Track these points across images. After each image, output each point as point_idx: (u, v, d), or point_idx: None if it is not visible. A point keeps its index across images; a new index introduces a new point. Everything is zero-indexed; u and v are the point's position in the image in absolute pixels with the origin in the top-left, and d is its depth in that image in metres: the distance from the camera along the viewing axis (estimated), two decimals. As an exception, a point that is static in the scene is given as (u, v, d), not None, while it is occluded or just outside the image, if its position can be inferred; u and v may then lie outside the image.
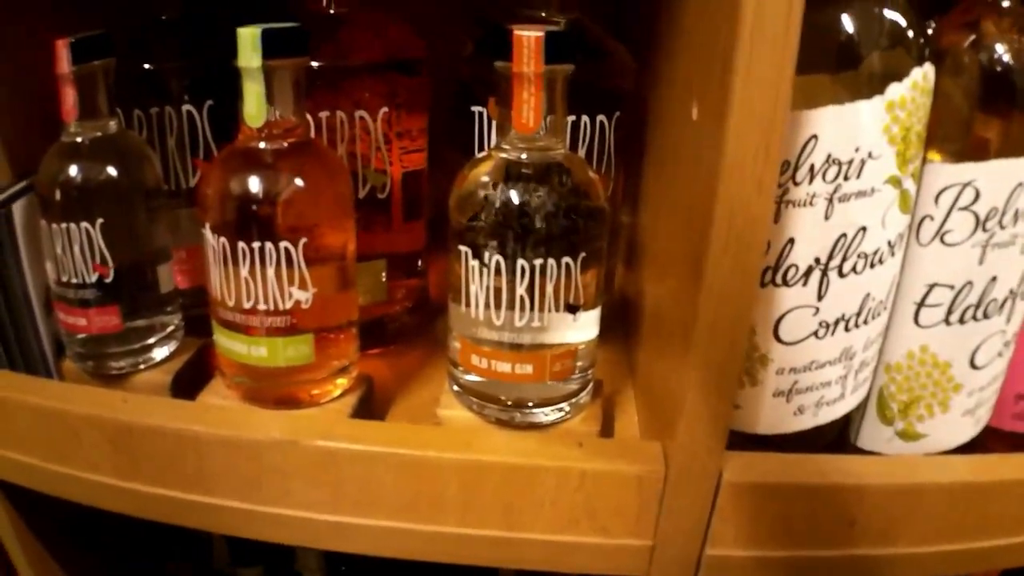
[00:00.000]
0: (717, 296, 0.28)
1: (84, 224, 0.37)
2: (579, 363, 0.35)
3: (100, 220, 0.36)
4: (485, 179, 0.33)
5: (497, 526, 0.33)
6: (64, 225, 0.37)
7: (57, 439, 0.36)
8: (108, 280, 0.37)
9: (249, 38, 0.32)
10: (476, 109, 0.39)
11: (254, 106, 0.33)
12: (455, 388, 0.37)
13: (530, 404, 0.35)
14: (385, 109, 0.38)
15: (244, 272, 0.34)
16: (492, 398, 0.36)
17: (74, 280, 0.37)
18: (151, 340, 0.40)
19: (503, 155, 0.33)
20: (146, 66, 0.39)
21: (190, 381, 0.39)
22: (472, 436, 0.34)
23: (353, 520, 0.33)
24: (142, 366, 0.39)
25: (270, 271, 0.33)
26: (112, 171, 0.37)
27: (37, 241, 0.40)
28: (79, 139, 0.37)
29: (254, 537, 0.34)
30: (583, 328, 0.34)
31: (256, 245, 0.33)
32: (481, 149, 0.39)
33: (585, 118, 0.39)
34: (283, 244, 0.33)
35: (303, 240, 0.33)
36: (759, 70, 0.25)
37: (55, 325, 0.41)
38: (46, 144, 0.38)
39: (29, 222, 0.40)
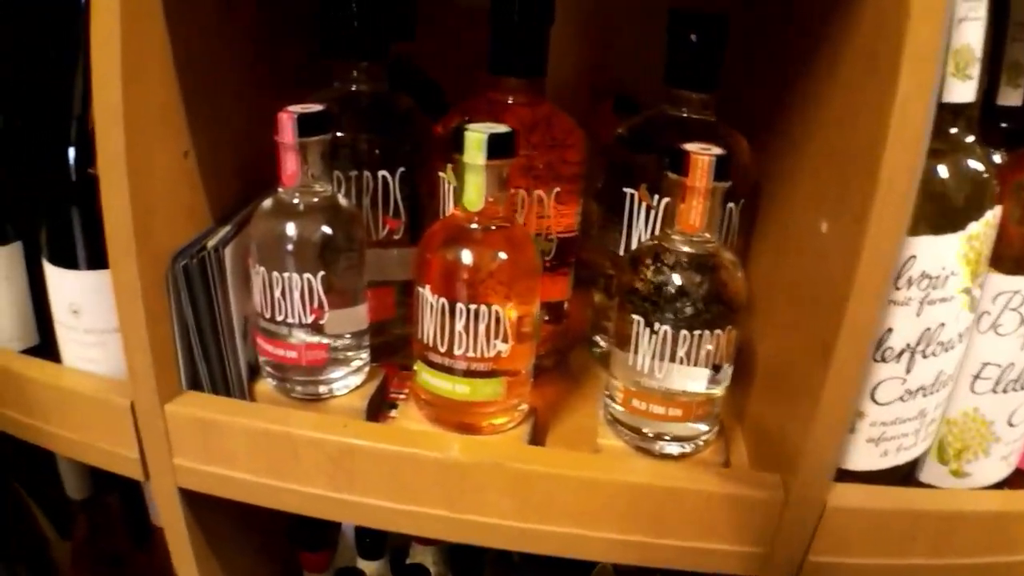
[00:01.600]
0: (842, 373, 0.41)
1: (307, 275, 0.47)
2: (715, 409, 0.48)
3: (321, 273, 0.47)
4: (652, 265, 0.46)
5: (649, 534, 0.46)
6: (286, 275, 0.47)
7: (275, 457, 0.47)
8: (322, 321, 0.48)
9: (476, 141, 0.44)
10: (628, 191, 0.51)
11: (474, 195, 0.45)
12: (608, 419, 0.49)
13: (667, 437, 0.48)
14: (557, 189, 0.50)
15: (459, 327, 0.45)
16: (636, 430, 0.48)
17: (290, 320, 0.48)
18: (348, 370, 0.50)
19: (670, 245, 0.46)
20: (351, 136, 0.50)
21: (378, 405, 0.50)
22: (631, 462, 0.47)
23: (538, 527, 0.46)
24: (339, 392, 0.50)
25: (481, 327, 0.45)
26: (331, 231, 0.47)
27: (239, 278, 0.50)
28: (295, 200, 0.48)
29: (456, 540, 0.46)
30: (722, 382, 0.47)
31: (472, 307, 0.45)
32: (630, 225, 0.52)
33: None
34: (495, 307, 0.45)
35: (509, 304, 0.45)
36: (893, 201, 0.38)
37: (250, 352, 0.52)
38: (239, 194, 0.48)
39: (235, 264, 0.50)
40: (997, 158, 0.45)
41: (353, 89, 0.52)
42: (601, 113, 0.69)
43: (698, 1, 0.52)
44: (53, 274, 0.52)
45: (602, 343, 0.60)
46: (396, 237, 0.52)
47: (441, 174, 0.51)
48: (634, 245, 0.53)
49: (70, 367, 0.53)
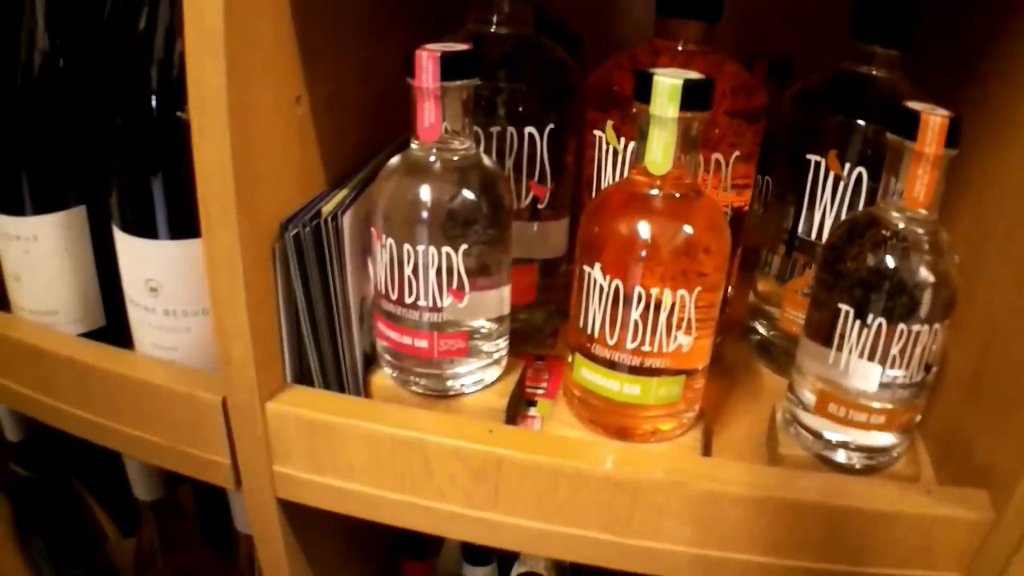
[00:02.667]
0: None
1: (445, 248, 0.41)
2: (916, 418, 0.43)
3: (464, 246, 0.41)
4: (868, 245, 0.40)
5: (851, 562, 0.41)
6: (420, 248, 0.41)
7: (402, 468, 0.42)
8: (461, 305, 0.42)
9: (671, 89, 0.38)
10: (812, 158, 0.46)
11: (661, 155, 0.39)
12: (792, 429, 0.44)
13: (852, 446, 0.43)
14: (737, 153, 0.45)
15: (635, 315, 0.40)
16: (819, 435, 0.43)
17: (422, 303, 0.42)
18: (485, 362, 0.44)
19: (889, 221, 0.40)
20: (492, 85, 0.44)
21: (516, 404, 0.45)
22: (830, 482, 0.41)
23: (721, 554, 0.41)
24: (470, 389, 0.45)
25: (663, 316, 0.40)
26: (474, 196, 0.41)
27: (358, 250, 0.44)
28: (432, 158, 0.42)
29: (624, 568, 0.41)
30: (927, 387, 0.42)
31: (655, 291, 0.39)
32: (813, 199, 0.46)
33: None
34: (680, 292, 0.39)
35: (698, 289, 0.40)
36: None
37: (366, 339, 0.46)
38: (359, 150, 0.42)
39: (354, 234, 0.44)
40: None
41: (493, 31, 0.46)
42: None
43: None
44: (126, 244, 0.45)
45: (761, 329, 0.55)
46: (540, 207, 0.46)
47: (597, 132, 0.45)
48: (817, 221, 0.47)
49: (144, 355, 0.47)
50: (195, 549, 0.70)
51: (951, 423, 0.47)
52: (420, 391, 0.45)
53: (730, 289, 0.52)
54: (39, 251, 0.49)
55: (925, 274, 0.40)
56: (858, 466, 0.43)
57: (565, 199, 0.49)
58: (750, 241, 0.53)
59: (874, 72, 0.47)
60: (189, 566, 0.71)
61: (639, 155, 0.39)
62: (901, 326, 0.40)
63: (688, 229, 0.39)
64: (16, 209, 0.48)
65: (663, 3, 0.45)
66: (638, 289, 0.39)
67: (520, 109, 0.45)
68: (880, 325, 0.40)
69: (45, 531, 0.77)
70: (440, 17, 0.47)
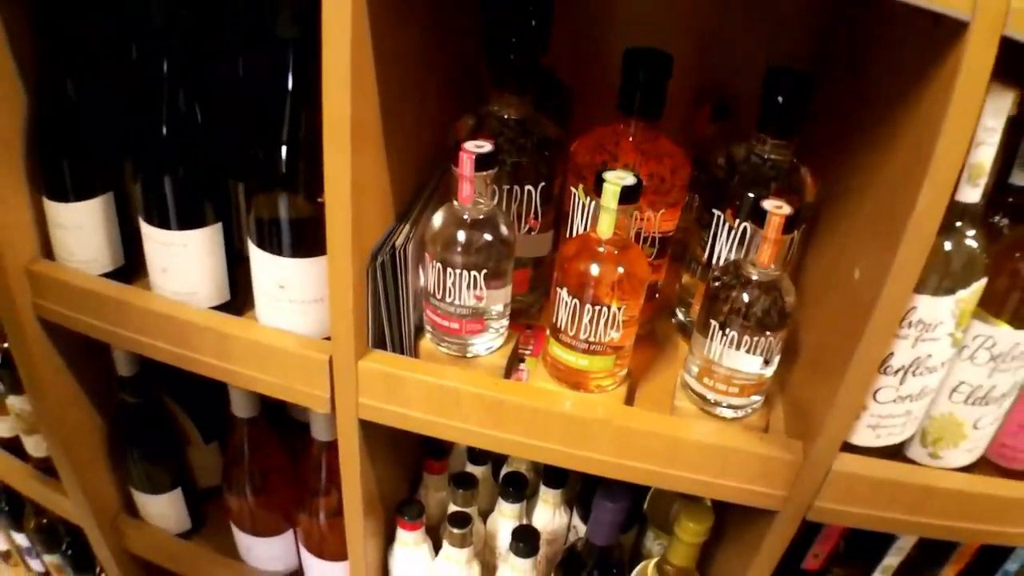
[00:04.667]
0: (854, 381, 0.68)
1: (473, 272, 0.73)
2: (765, 387, 0.76)
3: (484, 270, 0.73)
4: (730, 285, 0.72)
5: (707, 474, 0.75)
6: (458, 270, 0.73)
7: (442, 402, 0.76)
8: (480, 304, 0.75)
9: (612, 192, 0.69)
10: (716, 212, 0.77)
11: (606, 228, 0.70)
12: (683, 384, 0.78)
13: (724, 404, 0.77)
14: (663, 210, 0.76)
15: (586, 320, 0.72)
16: (703, 397, 0.77)
17: (457, 302, 0.75)
18: (493, 335, 0.77)
19: (746, 272, 0.72)
20: (503, 157, 0.75)
21: (512, 362, 0.79)
22: (699, 424, 0.75)
23: (628, 463, 0.75)
24: (485, 352, 0.78)
25: (602, 321, 0.72)
26: (492, 238, 0.74)
27: (414, 263, 0.77)
28: (466, 215, 0.73)
29: (571, 468, 0.76)
30: (771, 368, 0.75)
31: (597, 307, 0.72)
32: (715, 235, 0.78)
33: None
34: (613, 306, 0.72)
35: (623, 305, 0.72)
36: (908, 267, 0.63)
37: (419, 317, 0.79)
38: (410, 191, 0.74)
39: (413, 255, 0.76)
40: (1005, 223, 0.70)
41: (506, 117, 0.76)
42: (700, 118, 0.93)
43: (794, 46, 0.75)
44: (261, 257, 0.77)
45: (681, 315, 0.88)
46: (534, 231, 0.79)
47: (573, 189, 0.77)
48: (718, 249, 0.79)
49: (268, 326, 0.81)
50: (272, 458, 1.07)
51: (798, 393, 0.80)
52: (452, 352, 0.78)
53: (659, 283, 0.85)
54: (185, 254, 0.81)
55: (766, 306, 0.72)
56: (727, 417, 0.77)
57: (550, 219, 0.80)
58: (682, 240, 0.85)
59: (767, 155, 0.78)
60: (268, 464, 1.07)
61: (593, 221, 0.71)
62: (748, 335, 0.72)
63: (620, 269, 0.71)
64: (165, 224, 0.80)
65: (622, 105, 0.75)
66: (588, 304, 0.72)
67: (521, 174, 0.76)
68: (735, 335, 0.72)
69: (142, 441, 1.12)
70: (464, 88, 0.78)
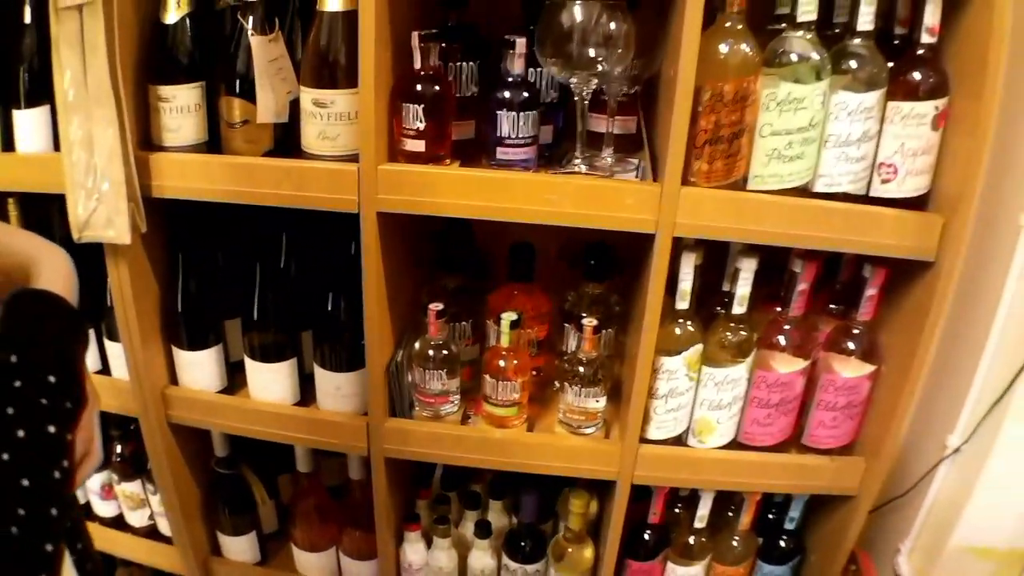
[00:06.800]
0: (636, 402, 1.37)
1: (438, 371, 1.40)
2: (602, 414, 1.44)
3: (444, 370, 1.40)
4: (576, 366, 1.40)
5: (566, 462, 1.42)
6: (430, 371, 1.40)
7: (441, 443, 1.42)
8: (444, 387, 1.42)
9: (507, 322, 1.37)
10: (568, 327, 1.47)
11: (506, 340, 1.38)
12: (561, 417, 1.45)
13: (578, 426, 1.44)
14: (535, 332, 1.45)
15: (501, 390, 1.40)
16: (570, 424, 1.44)
17: (431, 387, 1.41)
18: (454, 405, 1.45)
19: (582, 357, 1.40)
20: (448, 310, 1.43)
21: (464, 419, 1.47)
22: (571, 439, 1.43)
23: (539, 462, 1.41)
24: (451, 413, 1.46)
25: (510, 389, 1.40)
26: (447, 353, 1.41)
27: (408, 366, 1.44)
28: (432, 342, 1.41)
29: (500, 468, 1.42)
30: (603, 405, 1.43)
31: (507, 383, 1.39)
32: (569, 337, 1.47)
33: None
34: (514, 382, 1.39)
35: (520, 381, 1.40)
36: (648, 342, 1.32)
37: (409, 394, 1.46)
38: (400, 328, 1.44)
39: (405, 365, 1.43)
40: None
41: (450, 288, 1.45)
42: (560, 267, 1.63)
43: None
44: (323, 373, 1.44)
45: (556, 383, 1.57)
46: (470, 345, 1.48)
47: (490, 322, 1.45)
48: (571, 343, 1.48)
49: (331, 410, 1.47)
50: (323, 498, 1.70)
51: (616, 415, 1.48)
52: (430, 415, 1.45)
53: (541, 366, 1.54)
54: (273, 377, 1.48)
55: (592, 373, 1.40)
56: (587, 433, 1.44)
57: (479, 338, 1.50)
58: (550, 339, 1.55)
59: (590, 289, 1.48)
60: (320, 505, 1.70)
61: (498, 338, 1.39)
62: (585, 392, 1.40)
63: (515, 362, 1.39)
64: (268, 359, 1.48)
65: (512, 275, 1.45)
66: (500, 382, 1.39)
67: (462, 316, 1.45)
68: (579, 390, 1.40)
69: (227, 502, 1.73)
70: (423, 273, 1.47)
